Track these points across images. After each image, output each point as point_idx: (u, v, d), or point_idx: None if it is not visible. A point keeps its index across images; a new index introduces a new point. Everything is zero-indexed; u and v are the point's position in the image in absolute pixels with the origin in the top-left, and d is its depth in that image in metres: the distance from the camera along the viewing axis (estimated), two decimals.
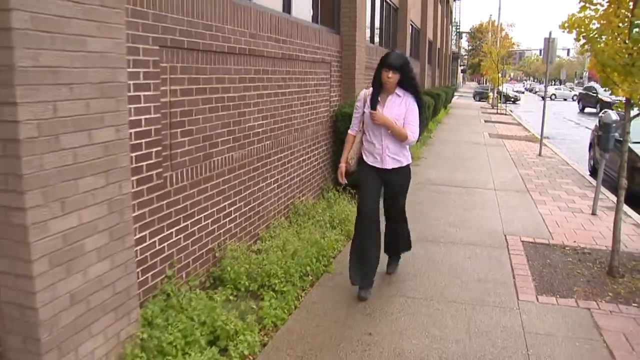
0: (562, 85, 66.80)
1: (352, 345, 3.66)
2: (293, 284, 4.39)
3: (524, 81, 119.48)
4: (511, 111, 33.03)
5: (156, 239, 3.66)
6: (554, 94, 57.49)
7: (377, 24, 13.33)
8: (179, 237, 3.95)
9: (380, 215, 4.52)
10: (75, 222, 2.53)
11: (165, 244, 3.77)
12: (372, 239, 4.41)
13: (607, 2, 4.75)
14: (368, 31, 11.60)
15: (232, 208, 4.81)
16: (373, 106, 4.32)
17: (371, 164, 4.46)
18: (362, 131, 4.52)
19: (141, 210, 3.43)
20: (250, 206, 5.18)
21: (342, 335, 3.78)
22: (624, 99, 4.93)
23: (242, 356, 3.37)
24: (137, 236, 3.36)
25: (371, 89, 4.44)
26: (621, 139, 10.11)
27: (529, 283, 4.90)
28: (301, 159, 6.62)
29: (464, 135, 17.68)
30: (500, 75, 33.19)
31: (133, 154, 3.25)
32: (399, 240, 4.96)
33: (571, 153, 15.25)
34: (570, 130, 23.32)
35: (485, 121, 24.05)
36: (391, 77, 4.26)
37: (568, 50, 74.63)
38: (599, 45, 4.81)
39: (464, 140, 16.17)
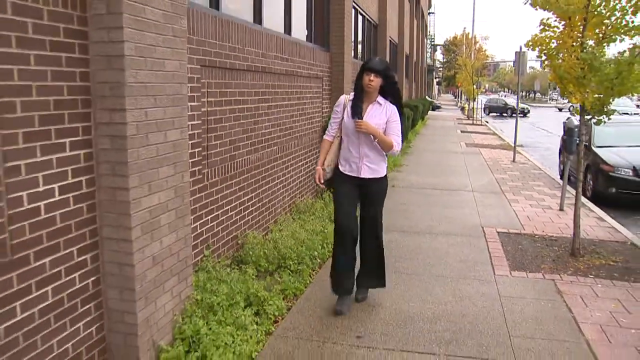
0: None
1: (361, 307, 4.47)
2: (305, 264, 5.18)
3: (499, 92, 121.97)
4: (487, 122, 34.24)
5: (197, 223, 4.43)
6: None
7: (359, 40, 14.26)
8: (212, 223, 4.73)
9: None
10: (156, 201, 3.30)
11: (204, 228, 4.55)
12: (349, 251, 4.33)
13: (562, 25, 5.69)
14: (352, 47, 12.50)
15: (250, 202, 5.60)
16: (354, 113, 4.21)
17: (347, 173, 4.32)
18: (340, 137, 4.40)
19: (190, 199, 4.21)
20: (262, 202, 5.97)
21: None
22: (579, 105, 5.83)
23: (272, 317, 4.15)
24: None
25: (351, 94, 4.34)
26: (584, 142, 11.16)
27: (503, 262, 5.76)
28: (300, 163, 7.43)
29: (442, 145, 18.65)
30: (475, 87, 34.49)
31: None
32: (372, 264, 4.55)
33: (544, 159, 16.27)
34: (543, 138, 24.48)
35: (462, 131, 25.12)
36: (373, 80, 4.14)
37: (542, 61, 76.65)
38: (557, 61, 5.74)
39: (442, 149, 17.13)
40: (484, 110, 45.42)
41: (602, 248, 6.39)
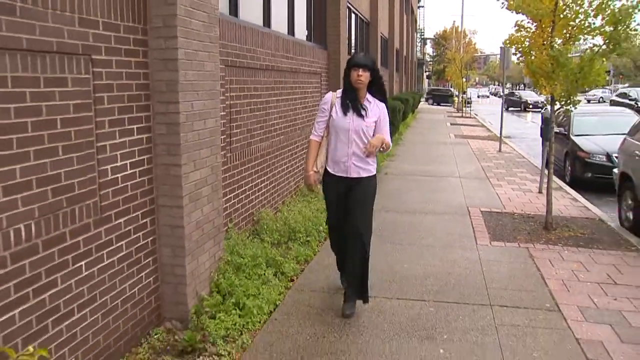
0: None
1: None
2: (313, 236, 5.98)
3: (489, 85, 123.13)
4: (476, 114, 35.09)
5: (222, 200, 5.21)
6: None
7: (353, 38, 15.03)
8: (234, 201, 5.51)
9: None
10: (198, 176, 4.08)
11: (227, 204, 5.33)
12: (343, 250, 4.41)
13: (534, 26, 6.50)
14: (347, 45, 13.28)
15: (262, 184, 6.38)
16: (355, 111, 4.13)
17: (336, 173, 4.24)
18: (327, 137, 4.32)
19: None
20: (272, 184, 6.76)
21: None
22: (550, 96, 6.65)
23: (289, 276, 4.95)
24: None
25: (338, 91, 4.28)
26: (558, 130, 12.04)
27: (485, 234, 6.59)
28: (302, 152, 8.21)
29: (431, 136, 19.49)
30: (464, 80, 35.38)
31: None
32: (356, 273, 4.26)
33: (530, 149, 17.09)
34: (531, 130, 25.34)
35: (451, 124, 25.99)
36: (362, 75, 4.07)
37: (517, 58, 77.40)
38: (530, 58, 6.56)
39: (432, 140, 17.97)
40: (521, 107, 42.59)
41: (573, 223, 7.23)
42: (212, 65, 4.24)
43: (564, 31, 6.33)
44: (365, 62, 4.12)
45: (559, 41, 6.38)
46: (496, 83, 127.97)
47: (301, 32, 8.78)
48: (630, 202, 7.32)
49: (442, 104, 48.23)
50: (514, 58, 9.44)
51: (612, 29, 5.84)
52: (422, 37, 70.99)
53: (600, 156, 10.60)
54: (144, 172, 3.73)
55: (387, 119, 4.27)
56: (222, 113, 5.07)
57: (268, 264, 5.00)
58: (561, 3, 6.04)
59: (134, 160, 3.59)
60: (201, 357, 3.56)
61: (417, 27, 57.49)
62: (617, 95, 30.36)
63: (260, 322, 4.05)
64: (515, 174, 11.46)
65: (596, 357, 3.64)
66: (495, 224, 7.16)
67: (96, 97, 3.18)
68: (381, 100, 4.26)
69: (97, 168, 3.22)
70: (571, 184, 10.76)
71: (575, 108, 6.46)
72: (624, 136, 8.20)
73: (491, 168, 12.21)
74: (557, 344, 3.81)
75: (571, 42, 6.35)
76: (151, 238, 3.87)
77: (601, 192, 10.37)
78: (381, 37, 20.67)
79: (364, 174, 4.21)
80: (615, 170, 8.21)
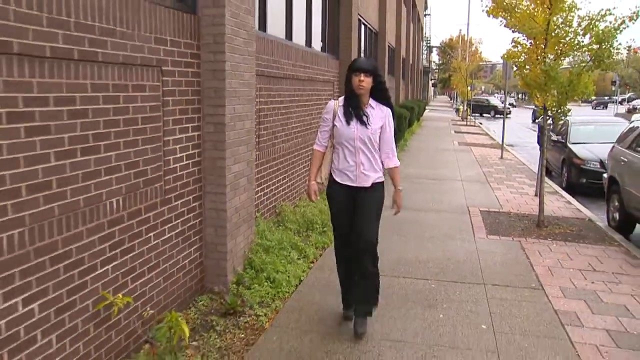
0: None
1: None
2: (329, 227, 6.71)
3: (495, 94, 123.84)
4: (480, 123, 35.79)
5: (254, 190, 5.96)
6: None
7: (362, 48, 15.82)
8: (260, 194, 6.26)
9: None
10: (237, 169, 4.83)
11: (255, 196, 6.08)
12: (350, 262, 4.24)
13: (529, 43, 7.25)
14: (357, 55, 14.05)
15: (283, 181, 7.13)
16: (358, 120, 3.99)
17: (344, 182, 4.08)
18: (332, 147, 4.17)
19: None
20: (291, 182, 7.51)
21: None
22: (543, 105, 7.38)
23: (310, 258, 5.68)
24: None
25: (340, 99, 4.14)
26: (556, 138, 12.77)
27: (482, 230, 7.32)
28: None
29: (436, 143, 20.22)
30: (469, 88, 36.08)
31: None
32: (367, 287, 4.15)
33: (530, 157, 17.75)
34: (533, 138, 25.98)
35: (455, 132, 26.69)
36: (363, 80, 3.90)
37: (513, 71, 77.93)
38: (525, 71, 7.30)
39: (436, 147, 18.69)
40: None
41: (563, 222, 7.95)
42: (249, 75, 5.00)
43: (556, 48, 7.06)
44: (367, 67, 3.97)
45: (551, 57, 7.11)
46: (501, 91, 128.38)
47: (316, 42, 9.55)
48: (616, 203, 8.04)
49: (483, 114, 47.55)
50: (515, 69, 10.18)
51: (597, 47, 6.58)
52: (428, 45, 71.71)
53: (594, 163, 11.28)
54: (195, 163, 4.48)
55: (393, 125, 4.12)
56: (254, 116, 5.82)
57: (292, 247, 5.74)
58: (552, 24, 6.78)
59: (188, 153, 4.34)
60: (242, 317, 4.30)
61: (424, 36, 58.33)
62: None
63: (288, 292, 4.80)
64: (514, 179, 12.17)
65: (569, 322, 4.37)
66: (492, 221, 7.88)
67: (164, 100, 3.94)
68: (386, 106, 4.11)
69: (163, 158, 3.97)
70: (567, 189, 11.46)
71: (565, 117, 7.19)
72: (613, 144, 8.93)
73: (492, 173, 12.92)
74: (538, 313, 4.54)
75: (562, 58, 7.09)
76: (199, 219, 4.62)
77: (595, 197, 11.06)
78: (389, 46, 21.46)
79: (374, 182, 4.06)
80: (605, 175, 8.93)
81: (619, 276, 5.56)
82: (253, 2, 5.04)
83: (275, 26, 7.12)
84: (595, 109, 49.70)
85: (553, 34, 6.88)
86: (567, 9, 6.74)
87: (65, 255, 3.01)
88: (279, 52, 6.68)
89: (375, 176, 4.08)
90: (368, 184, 4.05)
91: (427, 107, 47.53)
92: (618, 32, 6.42)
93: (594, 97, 42.84)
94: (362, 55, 15.98)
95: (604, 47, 6.50)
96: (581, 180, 11.40)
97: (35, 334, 2.82)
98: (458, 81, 38.47)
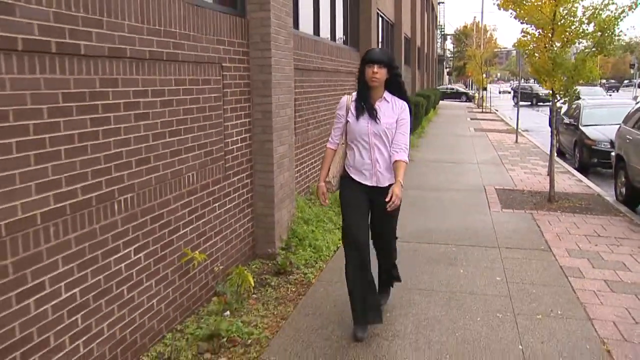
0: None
1: None
2: None
3: (511, 81, 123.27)
4: (496, 110, 36.19)
5: (295, 169, 6.71)
6: None
7: (380, 39, 16.47)
8: (296, 175, 7.01)
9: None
10: (282, 151, 5.58)
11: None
12: (363, 268, 3.86)
13: (538, 32, 7.89)
14: (376, 46, 14.73)
15: (315, 164, 7.88)
16: (361, 115, 3.81)
17: (361, 181, 3.87)
18: (345, 144, 3.99)
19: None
20: (314, 170, 8.23)
21: None
22: (551, 90, 8.02)
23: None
24: None
25: (353, 94, 3.97)
26: (569, 121, 13.36)
27: (497, 204, 8.01)
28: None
29: (452, 129, 20.83)
30: (484, 76, 36.47)
31: None
32: (389, 272, 4.33)
33: (545, 141, 18.18)
34: (547, 124, 26.47)
35: (471, 119, 27.22)
36: (377, 72, 3.70)
37: (523, 58, 77.65)
38: (534, 58, 7.94)
39: (452, 133, 19.32)
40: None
41: (573, 197, 8.60)
42: (289, 69, 5.74)
43: (562, 36, 7.70)
44: (380, 58, 3.76)
45: (558, 44, 7.75)
46: (516, 78, 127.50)
47: (339, 36, 10.25)
48: (623, 179, 8.66)
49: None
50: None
51: (600, 34, 7.21)
52: (443, 33, 71.73)
53: (605, 143, 11.84)
54: (247, 145, 5.23)
55: (408, 120, 3.87)
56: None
57: (327, 220, 6.48)
58: (558, 14, 7.42)
59: (242, 136, 5.09)
60: (291, 276, 5.06)
61: (438, 24, 58.55)
62: None
63: (328, 256, 5.56)
64: (529, 161, 12.79)
65: (572, 275, 5.07)
66: (506, 197, 8.56)
67: (224, 91, 4.69)
68: (402, 99, 3.90)
69: (224, 140, 4.73)
70: (580, 170, 12.06)
71: (573, 99, 7.83)
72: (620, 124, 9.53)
73: (507, 156, 13.54)
74: (545, 268, 5.25)
75: (568, 45, 7.72)
76: (251, 194, 5.37)
77: (606, 176, 11.69)
78: (404, 37, 22.06)
79: (390, 182, 3.80)
80: (613, 153, 9.55)
81: (620, 240, 6.22)
82: (291, 5, 5.77)
83: (305, 22, 7.84)
84: (607, 92, 49.90)
85: (559, 24, 7.51)
86: (571, 0, 7.36)
87: (159, 217, 3.78)
88: (309, 47, 7.40)
89: (392, 175, 3.83)
90: (385, 184, 3.83)
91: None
92: (619, 20, 7.04)
93: (604, 80, 42.77)
94: (380, 46, 16.64)
95: (606, 34, 7.12)
96: (592, 160, 11.98)
97: (141, 277, 3.60)
98: (473, 69, 38.82)
